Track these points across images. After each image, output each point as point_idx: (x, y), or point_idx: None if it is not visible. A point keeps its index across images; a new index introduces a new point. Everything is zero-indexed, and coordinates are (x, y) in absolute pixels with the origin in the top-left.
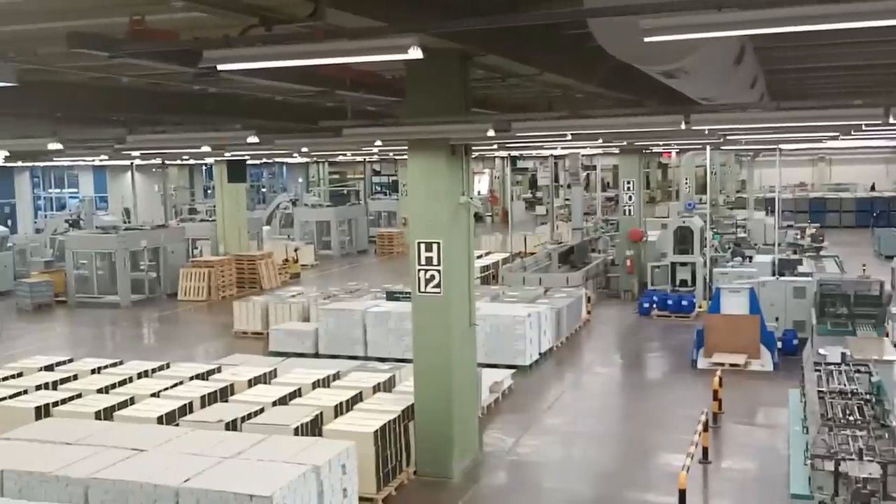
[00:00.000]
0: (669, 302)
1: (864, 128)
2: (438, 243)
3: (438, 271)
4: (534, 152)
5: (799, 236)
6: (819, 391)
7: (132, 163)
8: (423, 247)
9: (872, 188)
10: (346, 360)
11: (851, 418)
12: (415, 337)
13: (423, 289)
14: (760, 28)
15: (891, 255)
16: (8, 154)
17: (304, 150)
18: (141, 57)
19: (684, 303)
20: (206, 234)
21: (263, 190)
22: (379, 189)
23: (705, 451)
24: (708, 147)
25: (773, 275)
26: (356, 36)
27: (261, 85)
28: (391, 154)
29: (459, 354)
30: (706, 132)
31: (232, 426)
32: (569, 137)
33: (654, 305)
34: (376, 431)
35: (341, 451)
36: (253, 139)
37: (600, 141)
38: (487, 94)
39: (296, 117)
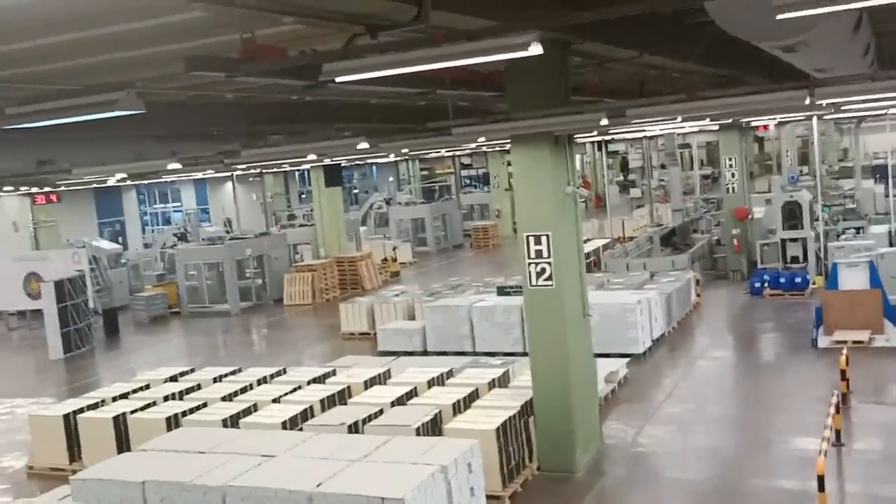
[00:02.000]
0: (782, 280)
1: None
2: (547, 235)
3: (549, 263)
4: (627, 135)
5: None
6: None
7: (232, 174)
8: (532, 240)
9: None
10: (454, 357)
11: None
12: (529, 331)
13: (534, 282)
14: None
15: None
16: (125, 176)
17: (405, 150)
18: (258, 75)
19: (797, 280)
20: (306, 238)
21: (355, 191)
22: (468, 182)
23: (838, 433)
24: (815, 117)
25: (891, 246)
26: (473, 37)
27: (361, 90)
28: (483, 147)
29: (575, 346)
30: (822, 104)
31: (354, 429)
32: (679, 120)
33: (766, 284)
34: (498, 428)
35: (466, 450)
36: (363, 145)
37: (707, 120)
38: (582, 81)
39: (389, 118)
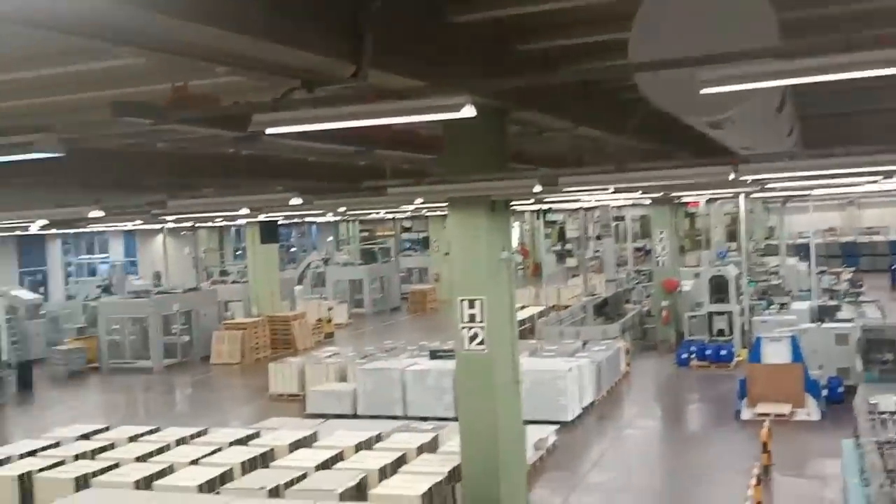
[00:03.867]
0: (708, 352)
1: None
2: (481, 300)
3: (482, 328)
4: (565, 205)
5: (835, 282)
6: (877, 441)
7: (163, 227)
8: (466, 304)
9: None
10: (385, 420)
11: None
12: (459, 396)
13: (467, 346)
14: (822, 75)
15: None
16: (47, 222)
17: (342, 209)
18: (187, 123)
19: (723, 352)
20: (238, 295)
21: (293, 249)
22: (409, 246)
23: None
24: (742, 195)
25: (812, 322)
26: (405, 96)
27: (295, 145)
28: (423, 211)
29: (505, 412)
30: (748, 181)
31: (275, 493)
32: (611, 190)
33: (693, 356)
34: (424, 494)
35: None
36: (296, 200)
37: (639, 192)
38: (522, 149)
39: (326, 177)
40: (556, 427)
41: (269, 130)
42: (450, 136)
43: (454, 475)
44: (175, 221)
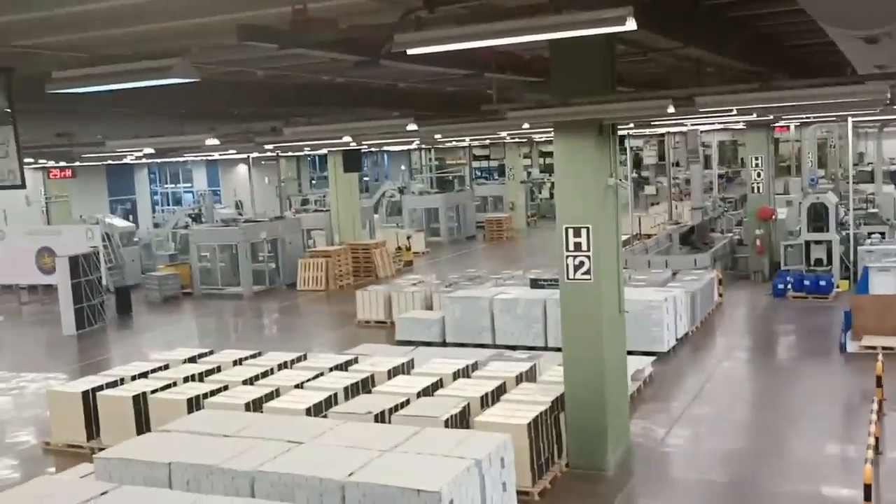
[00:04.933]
0: (806, 282)
1: None
2: (588, 228)
3: (588, 257)
4: (645, 130)
5: None
6: None
7: (248, 156)
8: (571, 232)
9: None
10: (474, 349)
11: None
12: (564, 325)
13: (571, 275)
14: None
15: None
16: (153, 151)
17: (438, 136)
18: (311, 48)
19: (822, 283)
20: (320, 224)
21: (366, 179)
22: (480, 174)
23: (876, 440)
24: (849, 118)
25: None
26: (560, 9)
27: (411, 70)
28: (507, 137)
29: (610, 343)
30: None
31: (380, 418)
32: (734, 112)
33: (790, 286)
34: (530, 423)
35: (500, 445)
36: (412, 126)
37: (754, 115)
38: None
39: (423, 105)
40: (652, 358)
41: (412, 51)
42: (558, 57)
43: (557, 405)
44: (259, 151)
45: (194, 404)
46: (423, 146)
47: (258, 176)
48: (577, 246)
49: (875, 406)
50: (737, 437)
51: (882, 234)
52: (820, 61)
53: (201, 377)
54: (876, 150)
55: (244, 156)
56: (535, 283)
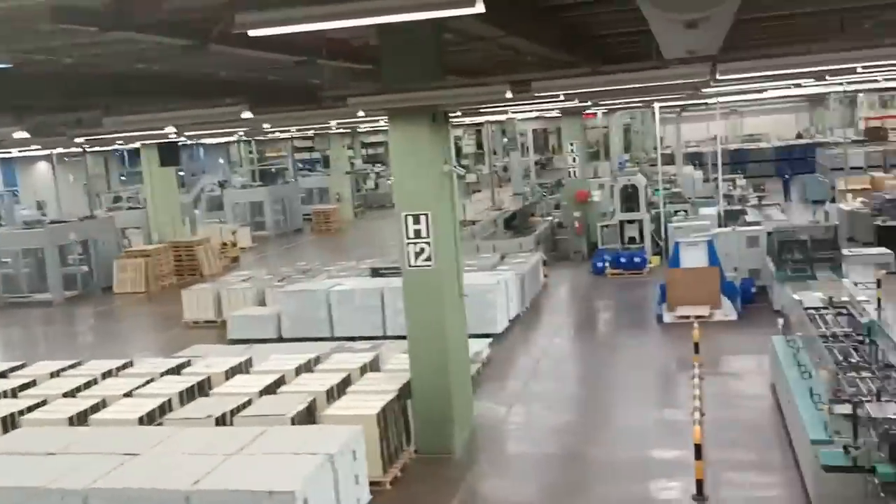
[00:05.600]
0: (622, 260)
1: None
2: (427, 215)
3: (428, 243)
4: (465, 120)
5: (731, 188)
6: (821, 335)
7: (51, 152)
8: (410, 219)
9: (799, 136)
10: (312, 343)
11: (854, 360)
12: (408, 312)
13: (413, 262)
14: None
15: (817, 200)
16: None
17: (267, 126)
18: (137, 30)
19: (636, 259)
20: (135, 222)
21: (181, 173)
22: (302, 166)
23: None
24: (656, 104)
25: (720, 226)
26: None
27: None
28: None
29: (453, 327)
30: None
31: (222, 421)
32: (561, 98)
33: (608, 264)
34: (379, 413)
35: (351, 437)
36: (247, 114)
37: (576, 101)
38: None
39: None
40: (489, 340)
41: (253, 32)
42: (388, 45)
43: (404, 392)
44: (66, 146)
45: (9, 423)
46: (245, 138)
47: (62, 174)
48: (417, 233)
49: (696, 371)
50: (572, 411)
51: (685, 211)
52: (625, 52)
53: (14, 393)
54: (676, 133)
55: (46, 152)
56: (376, 272)
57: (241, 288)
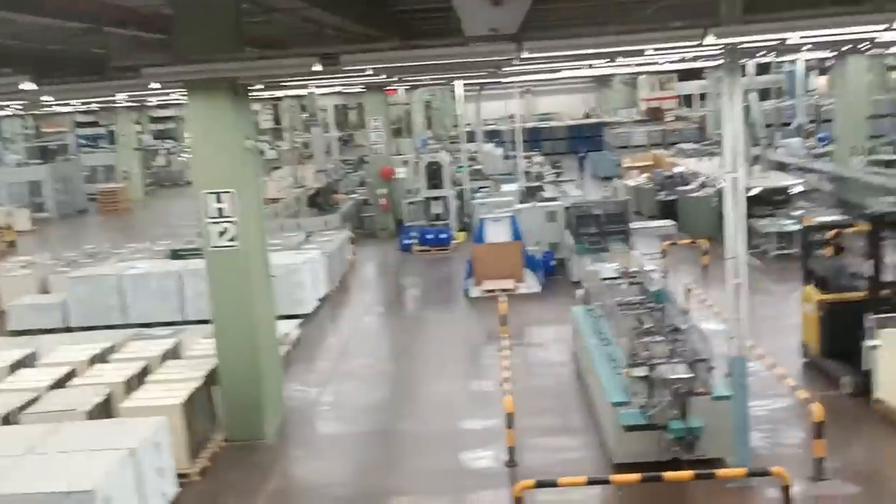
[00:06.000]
0: (428, 236)
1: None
2: (231, 193)
3: (233, 223)
4: (264, 94)
5: (529, 165)
6: (619, 304)
7: None
8: (212, 198)
9: (587, 115)
10: (105, 331)
11: (647, 326)
12: (213, 295)
13: (216, 243)
14: None
15: (606, 177)
16: None
17: (49, 99)
18: None
19: (442, 236)
20: None
21: None
22: (84, 143)
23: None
24: (459, 83)
25: (521, 202)
26: None
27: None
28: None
29: (260, 309)
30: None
31: (7, 420)
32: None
33: (415, 241)
34: (185, 402)
35: (154, 429)
36: (29, 86)
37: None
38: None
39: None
40: (298, 321)
41: None
42: (181, 13)
43: (210, 379)
44: None
45: None
46: (19, 113)
47: None
48: (220, 212)
49: (506, 342)
50: (384, 388)
51: (487, 187)
52: (428, 27)
53: None
54: (476, 111)
55: None
56: (177, 254)
57: (20, 274)
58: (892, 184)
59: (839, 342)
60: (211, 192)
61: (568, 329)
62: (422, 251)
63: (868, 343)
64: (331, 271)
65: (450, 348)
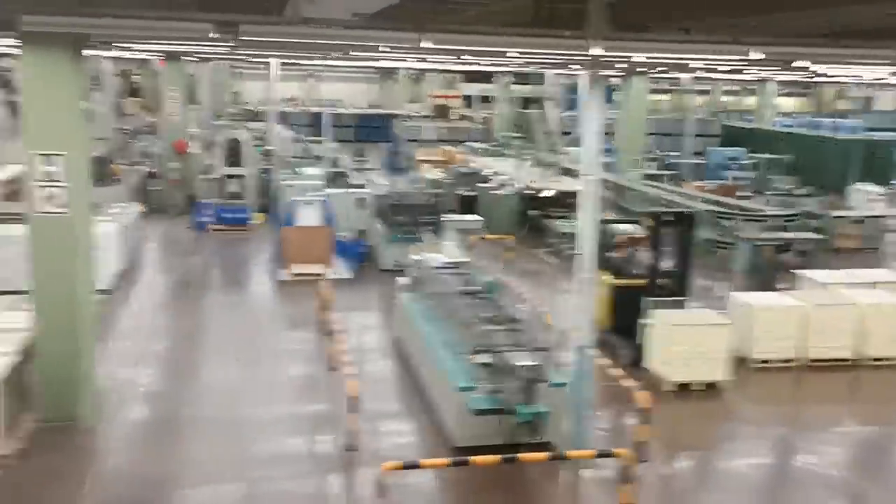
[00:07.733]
0: (226, 215)
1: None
2: (62, 156)
3: (63, 188)
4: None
5: (321, 150)
6: (450, 292)
7: None
8: (41, 160)
9: (371, 105)
10: None
11: (485, 315)
12: (36, 264)
13: (42, 208)
14: None
15: (399, 168)
16: None
17: None
18: None
19: (241, 215)
20: None
21: None
22: None
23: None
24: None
25: (326, 187)
26: None
27: None
28: None
29: (84, 281)
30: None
31: None
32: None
33: (211, 219)
34: (3, 380)
35: None
36: None
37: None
38: None
39: None
40: (100, 297)
41: None
42: None
43: (25, 356)
44: None
45: None
46: None
47: None
48: (49, 175)
49: (336, 327)
50: (207, 369)
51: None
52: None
53: None
54: (267, 91)
55: None
56: None
57: None
58: (663, 195)
59: (623, 320)
60: (42, 154)
61: (383, 316)
62: (218, 230)
63: (642, 321)
64: (127, 247)
65: (265, 333)
